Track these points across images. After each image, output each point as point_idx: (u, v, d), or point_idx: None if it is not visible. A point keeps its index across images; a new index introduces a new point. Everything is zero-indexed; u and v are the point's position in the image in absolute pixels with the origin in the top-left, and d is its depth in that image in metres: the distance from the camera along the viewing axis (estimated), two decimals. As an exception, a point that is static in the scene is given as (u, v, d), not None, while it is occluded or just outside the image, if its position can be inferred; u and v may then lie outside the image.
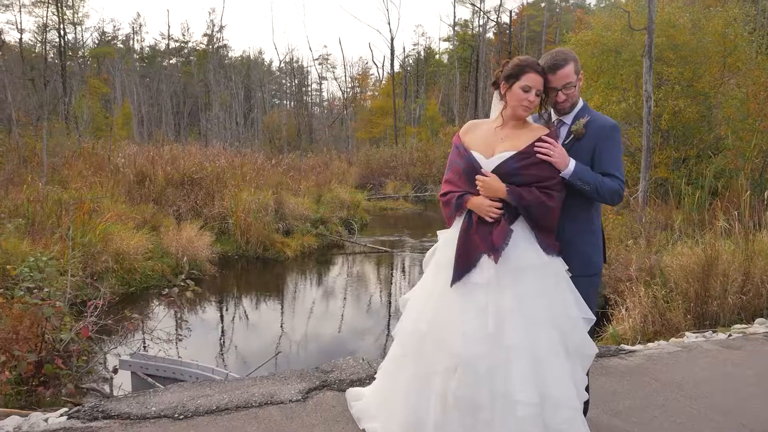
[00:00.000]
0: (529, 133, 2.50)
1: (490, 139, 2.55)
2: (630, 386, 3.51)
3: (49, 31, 24.46)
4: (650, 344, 5.46)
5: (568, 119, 2.60)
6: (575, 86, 2.53)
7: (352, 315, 8.93)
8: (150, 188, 13.77)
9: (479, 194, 2.48)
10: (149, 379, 4.48)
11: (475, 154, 2.53)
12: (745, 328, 5.64)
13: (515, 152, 2.46)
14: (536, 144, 2.45)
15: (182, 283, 4.08)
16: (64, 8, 23.59)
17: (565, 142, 2.56)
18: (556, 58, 2.50)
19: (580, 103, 2.62)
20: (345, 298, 9.84)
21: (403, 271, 12.16)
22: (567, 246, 2.51)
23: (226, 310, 9.18)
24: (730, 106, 10.79)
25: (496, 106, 2.61)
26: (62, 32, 22.74)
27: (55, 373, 4.20)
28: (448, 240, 2.58)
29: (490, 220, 2.44)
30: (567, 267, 2.50)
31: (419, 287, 2.70)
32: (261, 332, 8.06)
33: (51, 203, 9.32)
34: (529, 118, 2.60)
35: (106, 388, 4.61)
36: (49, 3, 23.53)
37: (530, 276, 2.40)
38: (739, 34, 10.72)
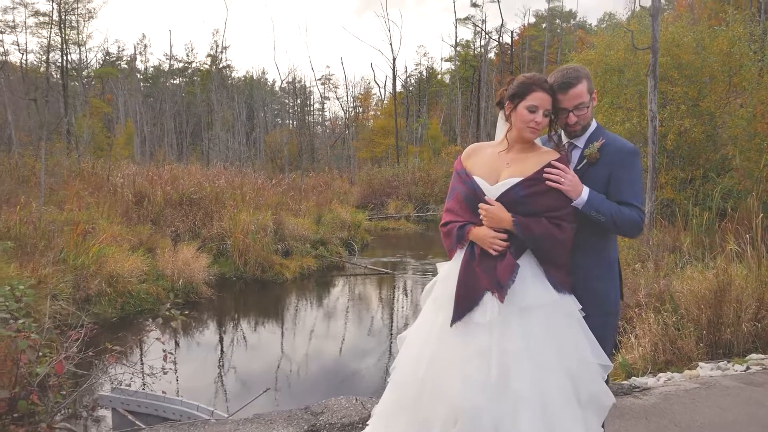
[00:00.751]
0: (538, 157, 2.28)
1: (495, 164, 2.33)
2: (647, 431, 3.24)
3: (53, 51, 24.63)
4: (662, 375, 5.19)
5: (580, 142, 2.36)
6: (588, 107, 2.30)
7: (351, 340, 8.65)
8: (148, 208, 13.60)
9: (482, 224, 2.25)
10: (130, 417, 4.22)
11: (478, 180, 2.30)
12: (763, 358, 5.35)
13: (522, 178, 2.23)
14: (545, 169, 2.22)
15: (167, 312, 3.84)
16: (67, 29, 23.75)
17: (578, 168, 2.32)
18: (568, 76, 2.27)
19: (593, 125, 2.38)
20: (344, 322, 9.56)
21: (405, 293, 11.89)
22: (579, 282, 2.26)
23: (222, 335, 8.91)
24: (737, 126, 10.59)
25: (501, 127, 2.39)
26: (65, 52, 22.82)
27: (30, 410, 3.94)
28: (448, 274, 2.34)
29: (494, 253, 2.20)
30: (580, 306, 2.25)
31: (416, 327, 2.45)
32: (256, 359, 7.78)
33: (44, 224, 9.10)
34: (538, 141, 2.37)
35: (87, 425, 4.34)
36: (52, 24, 23.71)
37: (539, 316, 2.15)
38: (744, 53, 10.57)
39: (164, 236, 11.99)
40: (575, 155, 2.36)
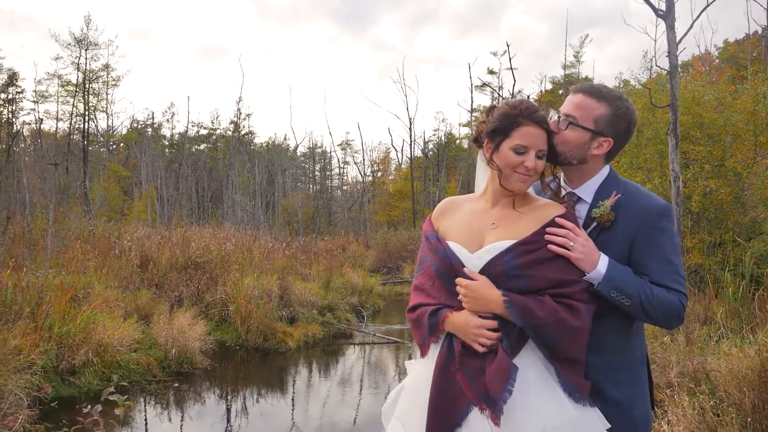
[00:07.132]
0: (535, 212, 1.71)
1: (476, 224, 1.75)
2: None
3: (76, 117, 25.37)
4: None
5: (586, 193, 1.76)
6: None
7: (355, 417, 7.89)
8: (153, 272, 13.24)
9: (462, 308, 1.65)
10: None
11: (454, 247, 1.72)
12: (823, 455, 4.55)
13: (514, 242, 1.64)
14: (547, 230, 1.65)
15: (110, 398, 3.26)
16: (91, 96, 24.55)
17: (587, 232, 1.72)
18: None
19: (605, 171, 1.79)
20: (348, 395, 8.81)
21: (415, 365, 11.08)
22: (593, 392, 1.64)
23: (211, 411, 8.21)
24: (766, 187, 9.98)
25: (482, 174, 1.82)
26: (88, 119, 23.48)
27: None
28: (418, 379, 1.72)
29: (480, 349, 1.59)
30: (608, 425, 1.60)
31: None
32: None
33: (31, 289, 8.70)
34: (531, 190, 1.81)
35: None
36: (76, 92, 24.53)
37: None
38: (770, 111, 10.06)
39: (163, 302, 11.51)
40: (581, 212, 1.77)
